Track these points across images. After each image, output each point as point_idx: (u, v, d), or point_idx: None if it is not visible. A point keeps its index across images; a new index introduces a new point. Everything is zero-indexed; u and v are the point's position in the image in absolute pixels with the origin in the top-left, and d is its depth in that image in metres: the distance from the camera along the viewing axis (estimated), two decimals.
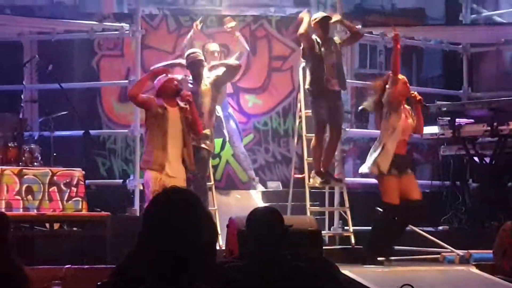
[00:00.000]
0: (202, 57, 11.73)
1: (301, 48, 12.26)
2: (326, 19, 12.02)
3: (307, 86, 12.07)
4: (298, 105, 12.99)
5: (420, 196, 10.80)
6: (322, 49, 11.87)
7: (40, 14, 14.18)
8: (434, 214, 12.69)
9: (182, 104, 10.16)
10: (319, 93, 11.91)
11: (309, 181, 12.16)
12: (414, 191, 10.65)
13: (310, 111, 12.71)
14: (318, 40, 11.90)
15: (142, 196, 12.45)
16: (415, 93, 11.02)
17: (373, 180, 11.09)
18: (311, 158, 12.48)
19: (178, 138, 10.14)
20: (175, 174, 10.09)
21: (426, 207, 10.98)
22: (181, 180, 10.03)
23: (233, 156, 13.83)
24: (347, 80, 13.29)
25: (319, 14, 12.33)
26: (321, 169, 11.88)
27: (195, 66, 11.52)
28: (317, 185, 12.04)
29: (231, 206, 12.04)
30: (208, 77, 11.60)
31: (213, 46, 12.74)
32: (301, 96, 12.87)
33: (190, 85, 11.41)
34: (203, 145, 10.99)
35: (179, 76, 11.23)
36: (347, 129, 13.25)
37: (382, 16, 15.36)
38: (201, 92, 11.29)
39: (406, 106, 10.87)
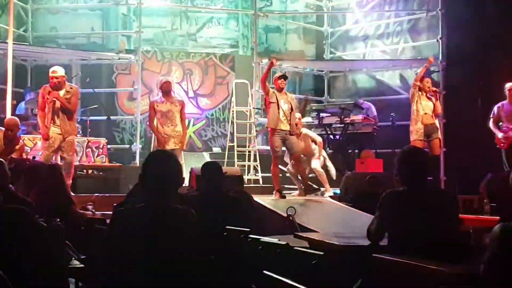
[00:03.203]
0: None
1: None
2: (283, 77, 9.94)
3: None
4: (232, 104, 13.01)
5: (438, 153, 10.45)
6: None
7: (82, 48, 13.98)
8: None
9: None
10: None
11: (237, 148, 12.14)
12: (433, 150, 10.06)
13: (238, 107, 12.75)
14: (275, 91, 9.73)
15: (141, 154, 12.45)
16: (433, 88, 10.35)
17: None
18: (241, 135, 12.52)
19: None
20: None
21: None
22: None
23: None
24: (259, 90, 13.29)
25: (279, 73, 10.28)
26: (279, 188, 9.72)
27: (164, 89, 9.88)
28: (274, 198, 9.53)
29: (192, 162, 11.97)
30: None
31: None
32: (234, 99, 12.87)
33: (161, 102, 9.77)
34: None
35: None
36: (259, 118, 13.24)
37: (279, 54, 15.35)
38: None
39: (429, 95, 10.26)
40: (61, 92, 9.09)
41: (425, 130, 10.15)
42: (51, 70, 9.27)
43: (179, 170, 3.44)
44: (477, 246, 3.84)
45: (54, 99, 8.99)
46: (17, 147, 8.90)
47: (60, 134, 9.04)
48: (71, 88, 9.25)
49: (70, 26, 14.33)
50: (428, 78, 10.53)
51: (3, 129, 8.88)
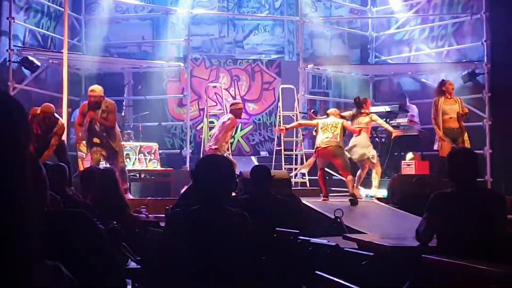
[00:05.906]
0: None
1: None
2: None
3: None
4: (278, 109, 13.00)
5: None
6: None
7: (134, 57, 14.18)
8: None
9: None
10: None
11: (284, 151, 12.15)
12: None
13: (284, 112, 12.72)
14: None
15: (191, 159, 12.54)
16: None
17: None
18: (288, 139, 12.50)
19: None
20: None
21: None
22: None
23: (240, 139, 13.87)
24: (305, 95, 13.32)
25: None
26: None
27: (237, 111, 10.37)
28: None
29: (240, 165, 11.99)
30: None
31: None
32: (280, 104, 12.87)
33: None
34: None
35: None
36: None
37: (325, 59, 15.28)
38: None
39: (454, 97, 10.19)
40: (99, 111, 9.28)
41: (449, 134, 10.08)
42: (90, 88, 9.49)
43: (232, 173, 3.45)
44: None
45: (92, 118, 9.21)
46: (55, 129, 9.10)
47: (102, 146, 9.35)
48: (106, 106, 9.35)
49: (122, 35, 14.53)
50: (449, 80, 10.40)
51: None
